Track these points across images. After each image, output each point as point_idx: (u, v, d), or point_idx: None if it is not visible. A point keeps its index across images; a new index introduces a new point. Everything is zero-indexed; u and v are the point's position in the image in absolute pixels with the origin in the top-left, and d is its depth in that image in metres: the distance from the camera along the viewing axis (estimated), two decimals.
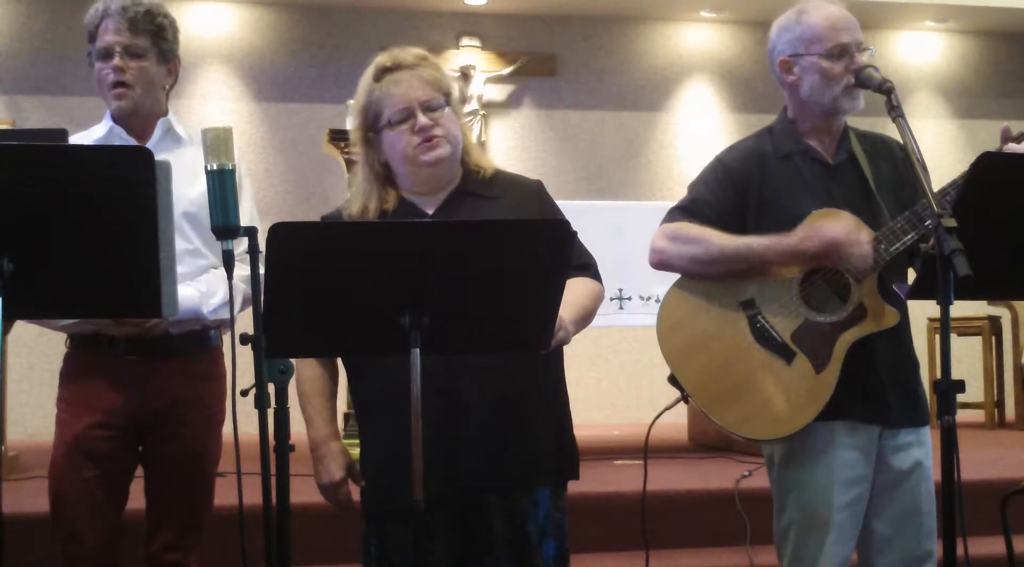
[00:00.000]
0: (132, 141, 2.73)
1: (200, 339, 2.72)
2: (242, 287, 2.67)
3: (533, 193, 2.48)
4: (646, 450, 2.74)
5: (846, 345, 2.51)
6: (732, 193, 2.61)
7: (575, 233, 2.45)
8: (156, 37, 2.72)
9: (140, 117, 2.75)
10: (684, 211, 2.64)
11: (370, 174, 2.44)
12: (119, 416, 2.64)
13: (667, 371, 2.64)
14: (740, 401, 2.54)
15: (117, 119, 2.75)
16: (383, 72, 2.40)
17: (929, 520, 2.57)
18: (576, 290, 2.38)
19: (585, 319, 2.40)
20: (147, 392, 2.65)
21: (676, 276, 2.67)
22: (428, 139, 2.36)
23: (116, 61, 2.67)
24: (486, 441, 2.30)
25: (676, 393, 2.64)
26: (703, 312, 2.59)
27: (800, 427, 2.50)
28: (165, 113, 2.81)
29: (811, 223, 2.51)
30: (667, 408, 2.81)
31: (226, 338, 2.75)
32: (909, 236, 2.48)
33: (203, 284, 2.66)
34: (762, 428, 2.55)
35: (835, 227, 2.48)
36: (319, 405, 2.42)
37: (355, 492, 2.43)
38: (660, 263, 2.65)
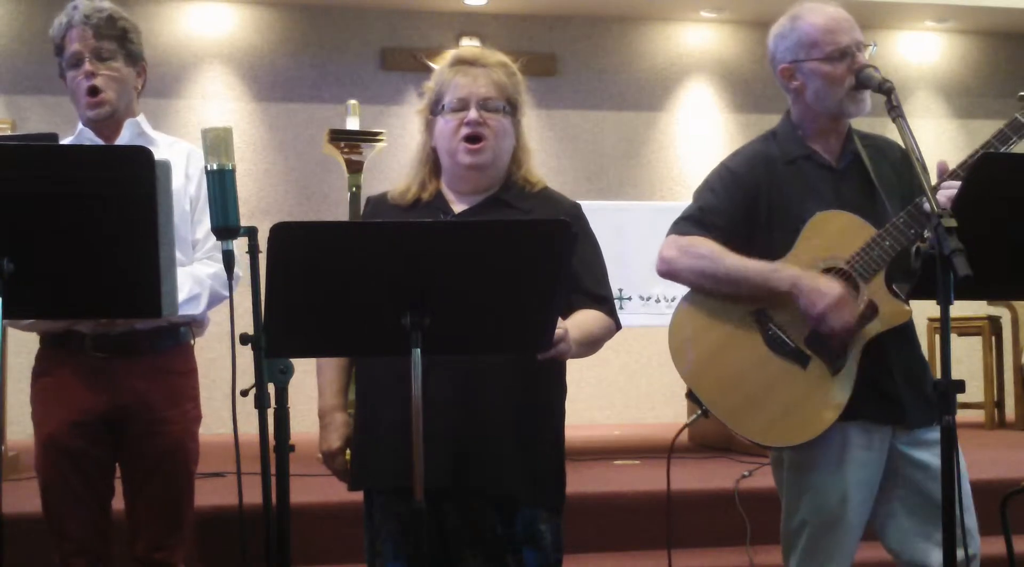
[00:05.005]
0: (99, 143, 2.73)
1: (169, 335, 2.73)
2: (208, 283, 2.71)
3: (566, 212, 2.45)
4: (670, 455, 2.73)
5: (861, 344, 2.51)
6: (740, 199, 2.60)
7: (577, 234, 2.45)
8: (122, 40, 2.74)
9: (114, 119, 2.76)
10: (692, 220, 2.62)
11: (420, 156, 2.50)
12: (88, 412, 2.66)
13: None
14: (760, 410, 2.53)
15: (88, 124, 2.76)
16: (459, 62, 2.44)
17: (968, 516, 2.49)
18: (586, 317, 2.39)
19: (590, 345, 2.39)
20: (115, 388, 2.66)
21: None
22: (473, 139, 2.37)
23: (87, 66, 2.69)
24: (458, 444, 2.30)
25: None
26: (714, 325, 2.58)
27: (822, 430, 2.49)
28: (135, 115, 2.81)
29: (817, 243, 2.52)
30: (687, 424, 2.81)
31: (224, 337, 2.75)
32: (912, 231, 2.48)
33: None
34: (784, 435, 2.53)
35: (834, 288, 2.48)
36: (331, 376, 2.51)
37: None
38: (667, 273, 2.63)
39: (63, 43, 2.72)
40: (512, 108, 2.43)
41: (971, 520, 2.53)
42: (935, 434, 2.54)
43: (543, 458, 2.39)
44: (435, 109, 2.44)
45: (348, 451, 2.46)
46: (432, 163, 2.48)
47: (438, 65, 2.50)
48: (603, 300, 2.44)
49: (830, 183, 2.61)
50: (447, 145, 2.40)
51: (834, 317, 2.47)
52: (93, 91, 2.70)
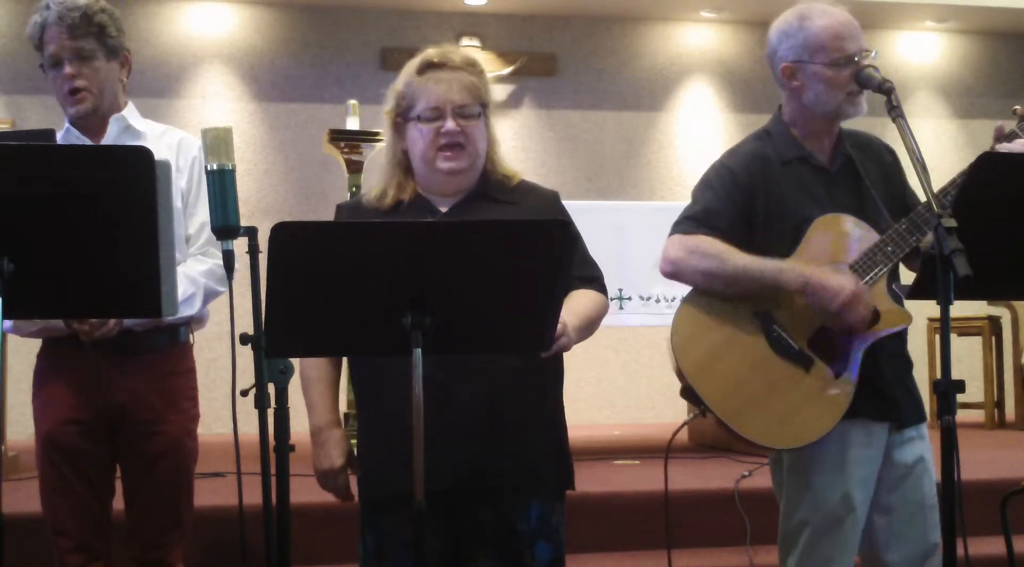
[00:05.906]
0: (87, 142, 2.72)
1: (167, 335, 2.73)
2: (201, 282, 2.70)
3: (549, 201, 2.47)
4: (667, 454, 2.72)
5: (863, 348, 2.51)
6: (740, 199, 2.60)
7: (578, 235, 2.46)
8: (99, 36, 2.70)
9: (98, 116, 2.74)
10: (695, 221, 2.61)
11: (392, 160, 2.46)
12: (85, 412, 2.67)
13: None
14: (762, 411, 2.53)
15: (74, 122, 2.75)
16: (428, 67, 2.39)
17: (933, 513, 2.57)
18: (582, 300, 2.39)
19: (588, 329, 2.39)
20: (113, 388, 2.67)
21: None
22: (450, 147, 2.35)
23: (67, 69, 2.68)
24: (483, 442, 2.30)
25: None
26: (718, 324, 2.57)
27: (824, 433, 2.49)
28: (121, 109, 2.79)
29: (820, 247, 2.52)
30: (685, 423, 2.81)
31: (224, 337, 2.76)
32: (914, 238, 2.49)
33: None
34: (786, 437, 2.53)
35: (848, 283, 2.47)
36: (322, 390, 2.43)
37: (353, 484, 2.44)
38: (673, 274, 2.62)
39: (41, 43, 2.71)
40: (484, 108, 2.41)
41: (935, 517, 2.58)
42: (914, 432, 2.60)
43: (552, 450, 2.40)
44: (407, 115, 2.40)
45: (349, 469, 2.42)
46: (405, 166, 2.45)
47: (483, 73, 2.44)
48: (592, 279, 2.45)
49: (824, 185, 2.61)
50: (423, 154, 2.38)
51: (850, 313, 2.47)
52: (74, 92, 2.69)
